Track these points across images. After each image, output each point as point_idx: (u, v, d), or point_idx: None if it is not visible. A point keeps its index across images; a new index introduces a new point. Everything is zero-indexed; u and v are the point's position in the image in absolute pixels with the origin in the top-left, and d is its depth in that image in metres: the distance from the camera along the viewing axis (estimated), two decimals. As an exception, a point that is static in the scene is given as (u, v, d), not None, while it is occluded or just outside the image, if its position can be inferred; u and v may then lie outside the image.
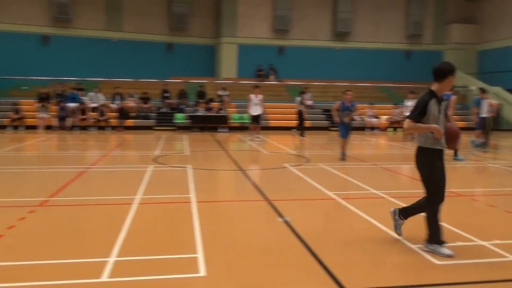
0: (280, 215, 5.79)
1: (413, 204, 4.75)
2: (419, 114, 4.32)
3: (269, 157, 12.36)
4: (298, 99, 19.13)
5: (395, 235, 4.93)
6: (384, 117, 22.61)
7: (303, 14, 27.45)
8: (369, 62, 27.89)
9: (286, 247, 4.60)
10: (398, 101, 23.05)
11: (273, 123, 21.61)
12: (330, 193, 7.21)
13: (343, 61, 27.69)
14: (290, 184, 8.21)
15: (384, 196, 7.07)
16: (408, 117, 4.44)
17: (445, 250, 4.36)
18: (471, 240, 4.88)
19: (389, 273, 4.00)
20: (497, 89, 24.01)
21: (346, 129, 11.21)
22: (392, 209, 4.91)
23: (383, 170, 9.98)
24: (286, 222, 5.47)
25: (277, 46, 27.41)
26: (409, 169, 10.63)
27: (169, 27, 26.79)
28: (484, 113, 13.45)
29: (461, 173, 10.31)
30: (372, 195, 7.24)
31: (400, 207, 4.89)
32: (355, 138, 18.10)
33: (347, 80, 26.65)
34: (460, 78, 26.83)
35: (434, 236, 4.45)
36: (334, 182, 8.54)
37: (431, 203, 4.48)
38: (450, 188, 7.95)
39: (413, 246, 4.63)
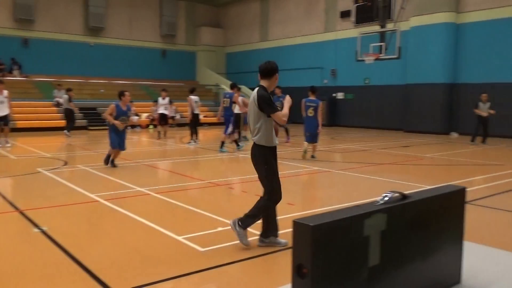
0: (36, 226, 5.20)
1: (251, 210, 4.57)
2: (274, 106, 4.40)
3: (19, 162, 10.97)
4: (66, 96, 17.90)
5: (162, 230, 5.01)
6: (144, 115, 22.74)
7: (50, 4, 25.20)
8: (127, 59, 27.58)
9: (47, 259, 4.17)
10: (157, 99, 23.61)
11: (21, 124, 19.23)
12: (93, 196, 6.85)
13: (99, 57, 26.61)
14: (46, 190, 7.47)
15: (150, 192, 7.12)
16: (273, 111, 4.36)
17: (281, 241, 4.59)
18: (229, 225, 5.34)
19: (156, 268, 4.04)
20: (243, 88, 26.98)
21: (121, 137, 9.64)
22: (231, 221, 4.61)
23: (146, 167, 10.03)
24: (44, 232, 4.94)
25: (20, 38, 24.44)
26: (170, 164, 11.00)
27: None
28: (236, 109, 14.75)
29: (218, 164, 11.21)
30: (137, 192, 7.19)
31: (239, 217, 4.56)
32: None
33: (104, 77, 25.79)
34: (213, 77, 29.20)
35: (273, 230, 4.59)
36: (97, 184, 8.14)
37: (270, 201, 4.50)
38: (210, 179, 8.57)
39: (179, 238, 4.79)
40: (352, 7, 22.06)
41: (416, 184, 7.82)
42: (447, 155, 12.48)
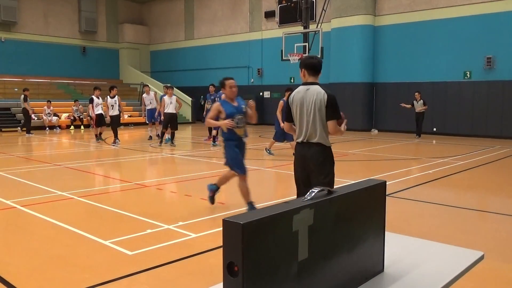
0: None
1: None
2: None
3: None
4: (22, 96, 18.05)
5: (87, 235, 4.81)
6: (64, 115, 21.62)
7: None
8: (42, 56, 26.01)
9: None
10: (78, 98, 22.54)
11: None
12: (9, 202, 6.40)
13: (10, 53, 24.85)
14: (-45, 198, 6.87)
15: (73, 196, 6.79)
16: (336, 117, 3.95)
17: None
18: (159, 226, 5.24)
19: (82, 275, 3.87)
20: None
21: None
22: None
23: (68, 170, 9.56)
24: (-47, 244, 4.55)
25: None
26: (94, 166, 10.56)
27: None
28: (170, 109, 14.31)
29: (144, 165, 10.94)
30: (59, 197, 6.83)
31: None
32: (33, 139, 16.69)
33: (17, 75, 24.19)
34: (137, 75, 28.41)
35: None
36: (13, 189, 7.61)
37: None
38: (136, 180, 8.35)
39: (105, 242, 4.62)
40: (275, 7, 22.51)
41: (341, 179, 8.15)
42: (368, 151, 13.13)
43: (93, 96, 14.65)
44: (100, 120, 14.79)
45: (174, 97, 13.88)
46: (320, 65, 4.07)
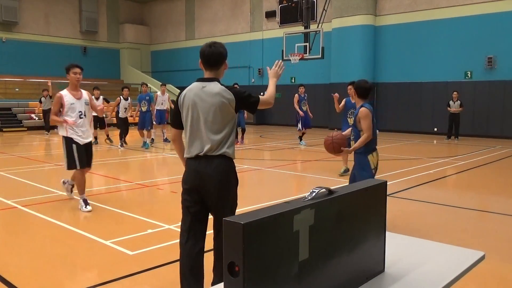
0: None
1: None
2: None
3: None
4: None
5: (88, 235, 4.81)
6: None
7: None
8: (44, 56, 26.02)
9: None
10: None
11: None
12: (10, 202, 6.41)
13: (11, 53, 24.86)
14: (-44, 198, 6.88)
15: (74, 196, 6.79)
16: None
17: None
18: (160, 226, 5.25)
19: (84, 275, 3.87)
20: (170, 86, 26.57)
21: None
22: None
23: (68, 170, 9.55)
24: (-46, 244, 4.55)
25: None
26: (95, 166, 10.55)
27: None
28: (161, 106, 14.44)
29: (145, 165, 10.94)
30: (60, 197, 6.84)
31: None
32: (34, 138, 16.71)
33: (18, 75, 24.20)
34: (138, 75, 28.42)
35: None
36: (13, 189, 7.62)
37: None
38: (137, 180, 8.35)
39: (106, 242, 4.63)
40: (276, 7, 22.51)
41: (341, 179, 8.15)
42: (368, 150, 13.09)
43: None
44: (97, 123, 13.53)
45: (167, 95, 14.23)
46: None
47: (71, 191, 6.63)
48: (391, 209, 2.65)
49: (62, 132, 5.94)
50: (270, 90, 3.44)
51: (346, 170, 8.49)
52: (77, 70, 6.03)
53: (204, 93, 3.10)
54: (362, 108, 4.97)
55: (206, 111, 3.07)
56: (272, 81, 3.50)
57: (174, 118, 3.26)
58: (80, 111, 5.95)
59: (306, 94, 14.00)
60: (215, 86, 3.11)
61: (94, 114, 13.77)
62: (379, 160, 4.93)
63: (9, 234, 5.24)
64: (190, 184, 3.17)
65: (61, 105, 5.89)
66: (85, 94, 6.18)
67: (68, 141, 5.90)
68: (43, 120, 18.59)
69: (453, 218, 5.95)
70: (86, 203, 6.03)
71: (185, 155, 3.23)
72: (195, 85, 3.17)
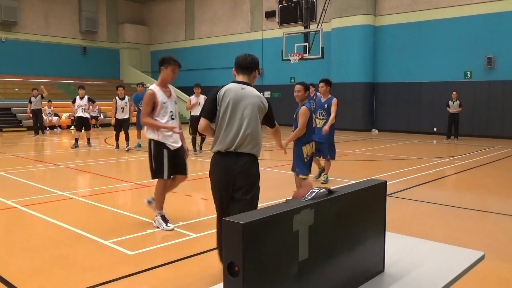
0: None
1: None
2: None
3: None
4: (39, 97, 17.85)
5: (87, 235, 4.81)
6: (65, 115, 21.64)
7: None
8: (43, 56, 26.03)
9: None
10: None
11: None
12: (10, 202, 6.41)
13: (11, 53, 24.87)
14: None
15: (73, 196, 6.79)
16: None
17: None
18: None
19: (83, 275, 3.87)
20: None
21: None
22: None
23: (68, 170, 9.56)
24: (-46, 244, 4.55)
25: None
26: (94, 166, 10.56)
27: None
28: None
29: (145, 165, 10.93)
30: (59, 197, 6.83)
31: None
32: (34, 139, 16.70)
33: (18, 75, 24.22)
34: (138, 75, 28.39)
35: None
36: (13, 189, 7.62)
37: None
38: (137, 180, 8.35)
39: (106, 242, 4.62)
40: (276, 7, 22.51)
41: (341, 179, 8.15)
42: (369, 151, 13.12)
43: (76, 97, 13.62)
44: (81, 124, 13.53)
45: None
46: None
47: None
48: (390, 209, 2.65)
49: (152, 135, 5.02)
50: (280, 136, 4.38)
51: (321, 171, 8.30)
52: (177, 69, 5.16)
53: (244, 93, 3.52)
54: (304, 107, 5.97)
55: (244, 108, 3.50)
56: (281, 142, 4.61)
57: (208, 110, 3.57)
58: (172, 111, 5.09)
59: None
60: (254, 90, 3.57)
61: (78, 115, 13.81)
62: (312, 151, 5.96)
63: (9, 234, 5.24)
64: (221, 179, 3.55)
65: (154, 104, 4.98)
66: (173, 92, 5.31)
67: (159, 146, 4.98)
68: (32, 121, 17.79)
69: (453, 218, 5.95)
70: (166, 221, 5.13)
71: (216, 148, 3.54)
72: (233, 85, 3.55)
